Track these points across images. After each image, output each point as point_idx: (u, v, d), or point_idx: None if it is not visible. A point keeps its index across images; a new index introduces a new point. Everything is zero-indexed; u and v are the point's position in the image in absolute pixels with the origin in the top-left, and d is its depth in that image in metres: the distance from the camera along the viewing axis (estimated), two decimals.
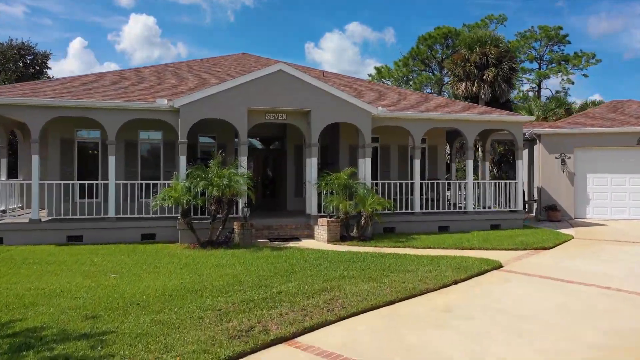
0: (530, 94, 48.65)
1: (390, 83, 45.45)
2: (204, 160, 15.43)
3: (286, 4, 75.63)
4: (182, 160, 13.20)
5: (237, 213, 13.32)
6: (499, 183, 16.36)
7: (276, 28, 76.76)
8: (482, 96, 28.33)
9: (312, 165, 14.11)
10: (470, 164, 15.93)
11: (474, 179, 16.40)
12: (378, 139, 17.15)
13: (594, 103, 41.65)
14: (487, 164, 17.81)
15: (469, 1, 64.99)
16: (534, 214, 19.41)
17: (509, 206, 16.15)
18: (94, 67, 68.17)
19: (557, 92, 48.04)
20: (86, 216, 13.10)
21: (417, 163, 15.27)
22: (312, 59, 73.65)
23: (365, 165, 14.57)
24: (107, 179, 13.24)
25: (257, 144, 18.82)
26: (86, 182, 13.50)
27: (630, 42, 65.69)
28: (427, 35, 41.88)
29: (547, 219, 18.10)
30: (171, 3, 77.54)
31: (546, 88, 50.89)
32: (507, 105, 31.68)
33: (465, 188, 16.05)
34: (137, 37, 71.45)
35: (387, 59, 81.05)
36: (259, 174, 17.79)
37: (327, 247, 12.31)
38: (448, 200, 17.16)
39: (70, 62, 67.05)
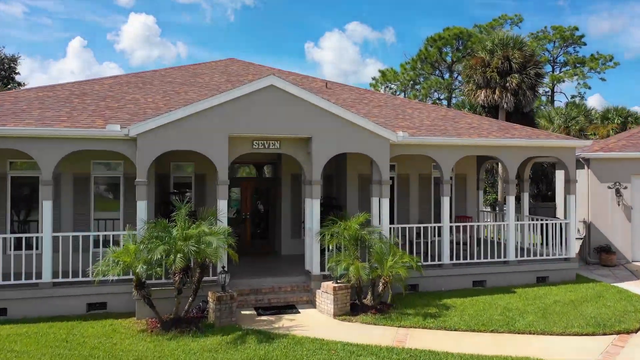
0: (544, 98, 45.46)
1: (396, 87, 42.22)
2: (179, 195, 12.27)
3: (286, 3, 72.33)
4: (141, 206, 9.88)
5: (213, 275, 10.10)
6: (549, 224, 12.98)
7: (276, 27, 73.46)
8: (504, 105, 25.05)
9: (313, 207, 10.85)
10: (511, 200, 12.61)
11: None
12: (394, 167, 13.90)
13: (616, 110, 38.28)
14: (526, 195, 14.57)
15: (468, 0, 61.92)
16: (577, 253, 16.15)
17: (559, 251, 12.90)
18: (93, 66, 65.96)
19: (572, 96, 44.96)
20: (12, 281, 9.71)
21: (446, 201, 11.99)
22: (312, 58, 70.51)
23: (382, 207, 11.28)
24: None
25: (247, 169, 15.56)
26: (13, 235, 10.25)
27: (631, 42, 62.77)
28: (436, 37, 38.51)
29: (599, 262, 14.87)
30: (171, 2, 74.24)
31: (560, 92, 47.88)
32: (530, 116, 28.45)
33: (506, 229, 12.80)
34: (137, 37, 68.39)
35: (387, 58, 77.33)
36: (248, 207, 14.53)
37: (334, 328, 9.09)
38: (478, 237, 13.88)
39: (69, 62, 64.91)
